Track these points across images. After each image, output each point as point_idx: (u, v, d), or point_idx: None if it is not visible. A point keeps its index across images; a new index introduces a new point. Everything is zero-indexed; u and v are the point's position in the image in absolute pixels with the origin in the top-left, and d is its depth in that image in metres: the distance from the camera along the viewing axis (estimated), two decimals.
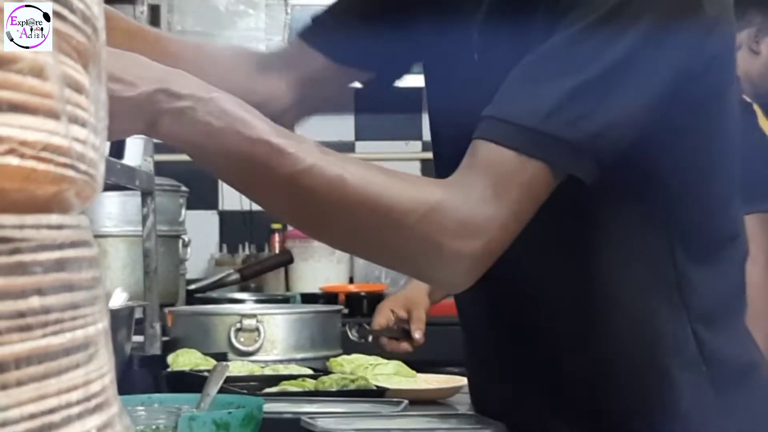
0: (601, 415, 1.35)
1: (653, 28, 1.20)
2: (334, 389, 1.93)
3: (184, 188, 3.16)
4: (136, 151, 2.40)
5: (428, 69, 1.47)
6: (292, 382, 1.97)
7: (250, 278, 3.78)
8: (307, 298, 3.77)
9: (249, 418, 1.52)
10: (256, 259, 4.08)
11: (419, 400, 1.95)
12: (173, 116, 1.14)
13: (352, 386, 1.95)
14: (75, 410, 0.42)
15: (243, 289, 3.91)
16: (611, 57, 1.19)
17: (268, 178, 1.17)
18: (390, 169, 1.21)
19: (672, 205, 1.31)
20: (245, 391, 1.87)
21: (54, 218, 0.42)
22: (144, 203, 2.48)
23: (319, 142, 1.19)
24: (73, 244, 0.43)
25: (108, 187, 2.39)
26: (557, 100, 1.19)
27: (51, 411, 0.40)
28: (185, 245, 3.26)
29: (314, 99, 1.55)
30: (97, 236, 2.67)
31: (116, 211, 2.81)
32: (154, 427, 1.33)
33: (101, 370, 0.44)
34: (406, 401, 1.80)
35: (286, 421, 1.66)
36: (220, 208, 4.45)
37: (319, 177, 1.15)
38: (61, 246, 0.42)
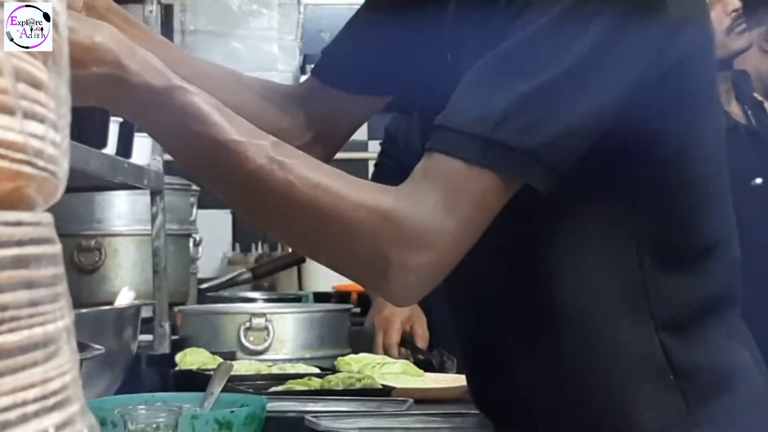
0: (568, 425, 1.33)
1: (609, 30, 1.15)
2: (339, 388, 1.93)
3: (194, 187, 3.16)
4: (144, 150, 2.40)
5: (404, 72, 1.45)
6: (298, 381, 1.97)
7: (263, 277, 3.77)
8: (320, 297, 3.76)
9: (252, 417, 1.52)
10: (269, 258, 4.08)
11: (426, 400, 1.95)
12: (123, 105, 1.12)
13: (358, 385, 1.95)
14: (31, 408, 0.41)
15: (256, 288, 3.91)
16: (565, 61, 1.14)
17: (218, 175, 1.15)
18: (345, 174, 1.17)
19: (641, 213, 1.26)
20: (251, 390, 1.87)
21: (12, 215, 0.42)
22: (153, 202, 2.49)
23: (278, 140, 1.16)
24: (33, 241, 0.43)
25: (117, 186, 2.40)
26: (508, 107, 1.14)
27: (6, 409, 0.40)
28: (196, 244, 3.26)
29: (339, 130, 1.55)
30: (106, 235, 2.68)
31: (126, 210, 2.81)
32: (154, 425, 1.33)
33: (62, 368, 0.44)
34: (411, 400, 1.80)
35: (291, 419, 1.66)
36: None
37: (267, 180, 1.12)
38: (19, 243, 0.42)
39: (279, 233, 1.28)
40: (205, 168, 1.17)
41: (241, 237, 4.43)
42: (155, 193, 2.48)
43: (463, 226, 1.15)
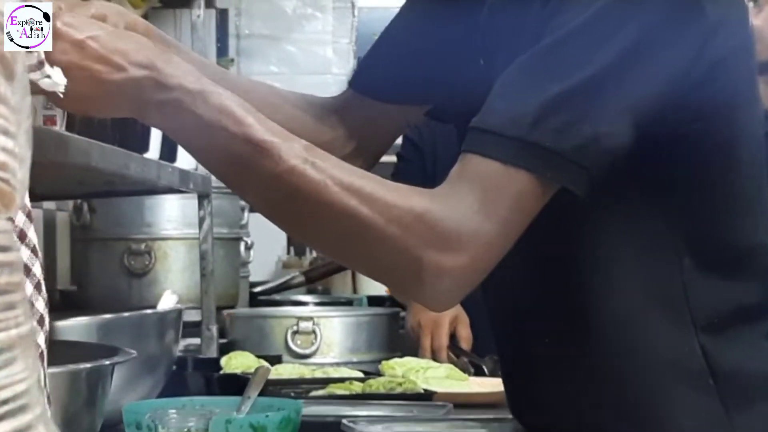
0: (600, 430, 1.31)
1: (645, 32, 1.15)
2: (380, 392, 1.93)
3: None
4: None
5: (439, 80, 1.45)
6: (339, 385, 1.97)
7: (316, 281, 3.78)
8: (374, 301, 3.75)
9: (286, 421, 1.52)
10: (323, 262, 4.09)
11: (469, 404, 1.94)
12: (159, 107, 1.13)
13: (398, 389, 1.94)
14: None
15: (310, 292, 3.91)
16: (599, 62, 1.14)
17: (250, 176, 1.15)
18: (377, 177, 1.17)
19: (679, 214, 1.25)
20: (292, 395, 1.87)
21: None
22: (200, 206, 2.50)
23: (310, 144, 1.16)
24: None
25: (162, 190, 2.41)
26: (544, 107, 1.14)
27: None
28: (248, 248, 3.26)
29: (378, 141, 1.55)
30: (156, 239, 2.70)
31: (176, 214, 2.82)
32: (185, 429, 1.34)
33: (15, 376, 0.44)
34: (450, 405, 1.79)
35: (327, 424, 1.66)
36: None
37: (301, 180, 1.12)
38: None
39: (310, 237, 1.27)
40: (237, 169, 1.17)
41: (296, 240, 4.44)
42: (202, 197, 2.48)
43: (499, 228, 1.14)
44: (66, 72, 1.11)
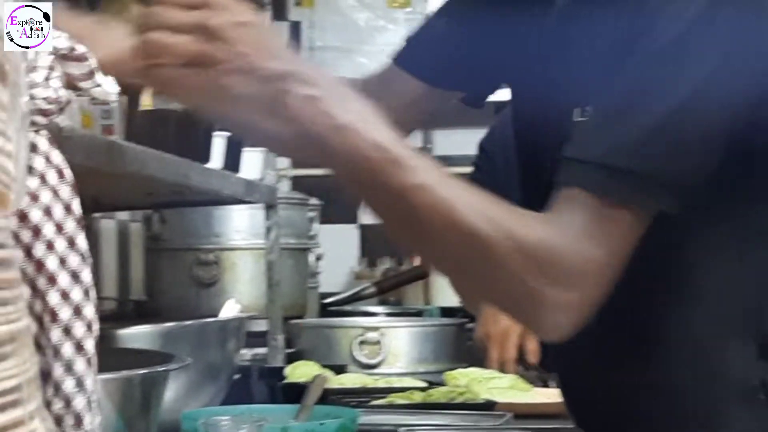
0: None
1: (731, 47, 1.14)
2: (440, 402, 1.92)
3: (314, 201, 3.17)
4: (254, 165, 2.43)
5: (485, 67, 1.44)
6: (400, 394, 1.97)
7: (387, 291, 3.77)
8: (447, 312, 3.74)
9: (342, 429, 1.52)
10: (395, 272, 4.09)
11: (532, 415, 1.92)
12: (299, 101, 1.11)
13: (459, 399, 1.93)
14: None
15: (382, 303, 3.91)
16: (692, 82, 1.13)
17: (377, 185, 1.13)
18: (503, 202, 1.16)
19: (762, 236, 1.24)
20: (354, 404, 1.87)
21: None
22: (267, 216, 2.51)
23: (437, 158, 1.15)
24: None
25: (231, 201, 2.43)
26: (644, 135, 1.14)
27: None
28: (318, 258, 3.27)
29: (406, 122, 1.54)
30: (225, 249, 2.71)
31: (244, 224, 2.84)
32: None
33: (9, 371, 0.44)
34: (509, 414, 1.78)
35: None
36: (360, 222, 4.48)
37: (428, 197, 1.11)
38: None
39: (428, 253, 1.26)
40: (365, 176, 1.12)
41: (368, 251, 4.45)
42: (269, 207, 2.50)
43: (608, 260, 1.14)
44: (229, 47, 1.10)
